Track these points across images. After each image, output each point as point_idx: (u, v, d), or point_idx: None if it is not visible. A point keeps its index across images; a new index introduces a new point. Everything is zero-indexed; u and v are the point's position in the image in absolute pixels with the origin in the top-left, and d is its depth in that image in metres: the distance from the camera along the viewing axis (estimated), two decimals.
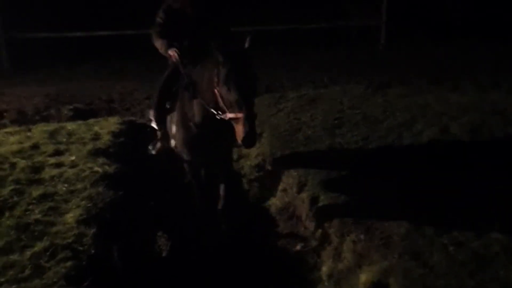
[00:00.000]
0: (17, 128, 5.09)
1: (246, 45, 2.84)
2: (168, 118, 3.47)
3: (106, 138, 4.63)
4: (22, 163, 3.98)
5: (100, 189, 3.49)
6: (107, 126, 5.04)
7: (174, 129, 3.36)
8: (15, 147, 4.37)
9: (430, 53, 8.78)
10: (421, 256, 2.67)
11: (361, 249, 2.85)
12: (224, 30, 3.48)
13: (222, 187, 3.46)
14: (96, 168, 3.87)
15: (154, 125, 3.77)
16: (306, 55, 8.86)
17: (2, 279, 2.48)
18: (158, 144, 3.72)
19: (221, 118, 2.82)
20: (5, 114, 6.26)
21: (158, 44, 3.40)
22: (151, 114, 3.81)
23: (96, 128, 4.96)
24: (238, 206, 3.70)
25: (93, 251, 2.74)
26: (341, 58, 8.66)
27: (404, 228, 2.94)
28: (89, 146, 4.39)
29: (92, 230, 2.94)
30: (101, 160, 4.06)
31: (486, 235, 2.82)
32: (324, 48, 9.10)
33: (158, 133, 3.68)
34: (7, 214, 3.13)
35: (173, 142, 3.42)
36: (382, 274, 2.57)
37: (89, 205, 3.24)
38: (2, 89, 7.58)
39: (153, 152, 3.78)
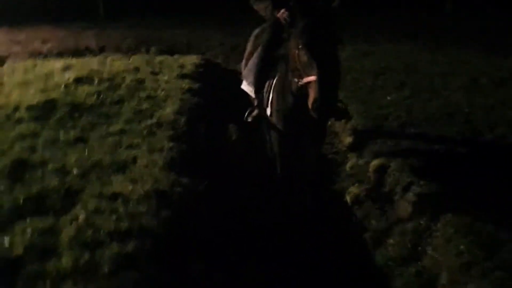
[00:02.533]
0: (120, 56, 6.67)
1: (336, 3, 2.73)
2: (267, 84, 3.32)
3: (189, 67, 6.06)
4: (129, 77, 5.51)
5: (188, 95, 4.91)
6: (189, 60, 6.47)
7: (271, 97, 3.23)
8: (121, 68, 5.92)
9: (495, 21, 9.25)
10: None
11: (375, 149, 4.01)
12: None
13: (310, 158, 3.43)
14: (184, 85, 5.30)
15: (250, 92, 3.61)
16: (371, 15, 9.75)
17: (127, 136, 3.93)
18: (255, 112, 3.58)
19: (299, 85, 2.71)
20: (105, 48, 7.96)
21: (261, 6, 3.33)
22: (248, 79, 3.61)
23: (181, 61, 6.41)
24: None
25: (186, 128, 4.14)
26: (404, 20, 9.48)
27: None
28: (177, 71, 5.84)
29: (184, 117, 4.35)
30: (187, 80, 5.48)
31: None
32: (389, 10, 9.94)
33: (255, 100, 3.55)
34: (125, 103, 4.64)
35: (268, 110, 3.29)
36: (386, 160, 3.74)
37: (181, 104, 4.65)
38: (100, 31, 9.33)
39: (249, 119, 3.65)
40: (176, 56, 6.84)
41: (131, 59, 6.45)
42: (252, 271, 2.73)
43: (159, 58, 6.56)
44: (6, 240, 2.53)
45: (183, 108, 4.57)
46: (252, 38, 3.83)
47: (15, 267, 2.36)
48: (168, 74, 5.69)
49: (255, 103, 3.58)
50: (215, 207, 3.13)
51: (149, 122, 4.18)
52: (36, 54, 7.12)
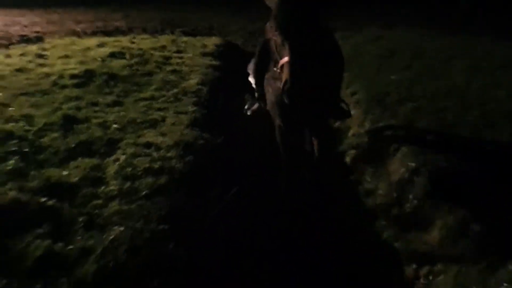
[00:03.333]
0: (147, 36, 7.38)
1: None
2: (266, 77, 3.27)
3: (211, 47, 6.72)
4: (156, 54, 6.19)
5: (210, 70, 5.57)
6: (211, 41, 7.13)
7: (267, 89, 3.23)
8: (149, 45, 6.61)
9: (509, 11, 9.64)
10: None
11: (374, 119, 4.60)
12: None
13: (317, 144, 3.40)
14: (206, 62, 5.95)
15: (253, 84, 3.67)
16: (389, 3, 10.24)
17: (157, 101, 4.61)
18: (255, 106, 3.61)
19: (278, 72, 2.61)
20: (133, 29, 8.67)
21: None
22: (251, 73, 3.64)
23: (203, 41, 7.08)
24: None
25: (207, 97, 4.81)
26: (420, 9, 9.95)
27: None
28: (200, 50, 6.51)
29: (206, 88, 5.01)
30: (209, 58, 6.14)
31: None
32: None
33: (256, 93, 3.56)
34: (154, 75, 5.32)
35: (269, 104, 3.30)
36: (381, 128, 4.33)
37: (203, 77, 5.31)
38: (127, 13, 10.06)
39: (249, 113, 3.68)
40: (199, 38, 7.51)
41: (158, 39, 7.14)
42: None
43: (183, 39, 7.24)
44: (65, 172, 3.23)
45: (205, 80, 5.24)
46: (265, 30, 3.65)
47: (73, 191, 3.06)
48: (192, 52, 6.36)
49: (256, 96, 3.54)
50: (228, 155, 3.79)
51: (175, 90, 4.86)
52: (71, 33, 7.87)
